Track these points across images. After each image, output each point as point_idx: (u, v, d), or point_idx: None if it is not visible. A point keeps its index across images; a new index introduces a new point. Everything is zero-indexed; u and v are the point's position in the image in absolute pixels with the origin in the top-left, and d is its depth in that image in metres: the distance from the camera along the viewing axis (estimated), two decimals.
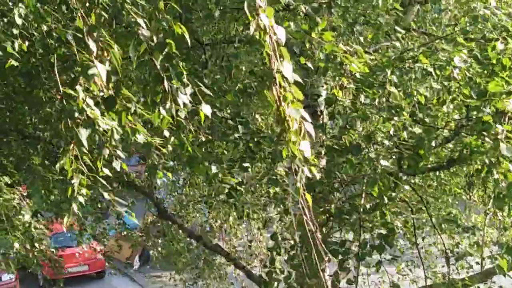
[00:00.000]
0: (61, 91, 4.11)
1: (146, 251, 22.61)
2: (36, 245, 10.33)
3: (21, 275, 19.53)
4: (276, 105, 3.80)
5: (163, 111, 4.48)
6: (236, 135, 7.58)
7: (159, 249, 15.11)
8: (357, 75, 5.97)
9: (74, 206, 4.25)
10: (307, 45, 5.75)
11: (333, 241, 7.42)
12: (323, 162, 8.83)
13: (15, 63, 5.20)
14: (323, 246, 7.26)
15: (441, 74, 5.89)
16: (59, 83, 4.15)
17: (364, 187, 6.84)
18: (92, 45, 4.17)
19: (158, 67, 4.31)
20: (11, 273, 14.17)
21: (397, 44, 6.87)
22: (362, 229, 7.06)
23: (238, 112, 8.41)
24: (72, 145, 4.21)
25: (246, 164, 7.90)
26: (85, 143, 4.20)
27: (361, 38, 6.98)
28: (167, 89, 4.35)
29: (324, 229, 7.61)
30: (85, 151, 4.23)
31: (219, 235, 15.21)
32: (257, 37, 3.85)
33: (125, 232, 14.23)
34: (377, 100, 5.92)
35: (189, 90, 4.51)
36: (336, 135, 7.75)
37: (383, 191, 6.60)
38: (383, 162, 6.18)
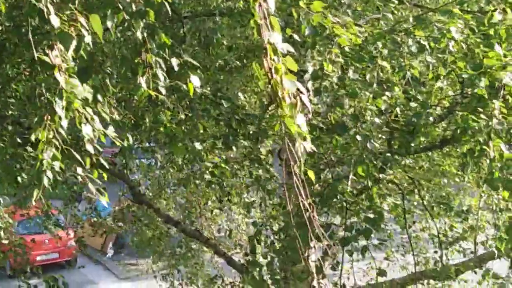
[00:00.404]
0: (36, 59, 4.03)
1: (120, 238, 22.58)
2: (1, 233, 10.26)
3: None
4: (268, 78, 3.76)
5: (143, 83, 4.42)
6: (218, 111, 7.55)
7: (133, 235, 15.08)
8: (346, 48, 5.93)
9: (45, 179, 4.13)
10: (295, 16, 5.70)
11: (318, 225, 7.44)
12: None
13: None
14: (310, 230, 7.34)
15: (435, 46, 5.85)
16: (35, 53, 4.07)
17: (351, 169, 6.82)
18: (54, 20, 4.08)
19: (139, 36, 4.25)
20: None
21: (389, 15, 6.83)
22: (348, 213, 7.08)
23: (218, 88, 8.38)
24: (47, 116, 4.13)
25: (229, 142, 7.90)
26: (61, 113, 4.13)
27: (349, 11, 6.94)
28: (145, 62, 4.30)
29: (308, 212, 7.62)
30: (61, 122, 4.15)
31: (197, 220, 15.20)
32: (244, 6, 3.81)
33: (95, 219, 14.23)
34: (368, 75, 5.88)
35: (175, 61, 4.46)
36: (322, 113, 7.75)
37: (371, 173, 6.59)
38: (370, 145, 6.14)
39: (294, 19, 6.57)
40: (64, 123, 4.22)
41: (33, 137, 4.11)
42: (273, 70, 3.72)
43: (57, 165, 4.16)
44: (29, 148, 8.16)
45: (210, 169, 8.00)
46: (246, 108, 10.74)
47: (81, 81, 4.24)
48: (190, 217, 13.77)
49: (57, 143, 4.13)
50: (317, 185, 8.02)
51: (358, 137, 6.17)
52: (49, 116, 4.11)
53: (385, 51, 5.92)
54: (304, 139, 3.86)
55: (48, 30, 4.23)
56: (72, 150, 4.27)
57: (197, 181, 10.26)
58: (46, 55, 4.01)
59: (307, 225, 7.25)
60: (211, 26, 8.50)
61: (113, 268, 22.58)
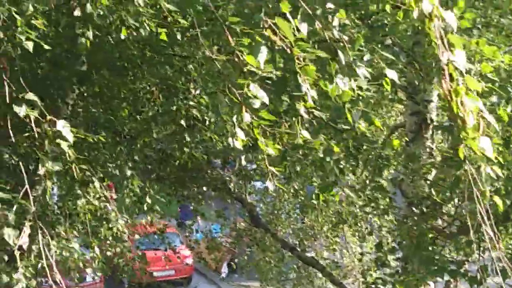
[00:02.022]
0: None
1: (235, 258, 22.72)
2: (118, 250, 10.48)
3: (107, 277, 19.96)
4: (447, 100, 3.58)
5: (341, 83, 4.33)
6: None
7: (247, 258, 15.14)
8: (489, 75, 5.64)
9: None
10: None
11: (448, 259, 7.11)
12: (432, 174, 8.57)
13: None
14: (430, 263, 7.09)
15: None
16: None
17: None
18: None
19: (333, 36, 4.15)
20: (96, 274, 14.45)
21: None
22: (480, 249, 6.67)
23: (340, 114, 8.25)
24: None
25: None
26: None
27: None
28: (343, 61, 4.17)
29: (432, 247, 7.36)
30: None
31: (311, 245, 15.09)
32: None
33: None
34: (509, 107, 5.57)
35: (366, 57, 4.32)
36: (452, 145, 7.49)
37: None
38: None
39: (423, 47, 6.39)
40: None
41: (241, 136, 4.06)
42: (452, 92, 3.54)
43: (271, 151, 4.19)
44: None
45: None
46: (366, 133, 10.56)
47: (276, 93, 4.21)
48: (304, 243, 13.68)
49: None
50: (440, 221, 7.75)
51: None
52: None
53: None
54: (490, 162, 3.67)
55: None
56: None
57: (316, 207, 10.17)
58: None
59: (431, 259, 7.01)
60: None
61: None
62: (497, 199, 3.88)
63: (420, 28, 6.13)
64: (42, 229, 7.28)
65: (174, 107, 7.78)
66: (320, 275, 12.70)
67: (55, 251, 9.73)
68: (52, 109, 7.01)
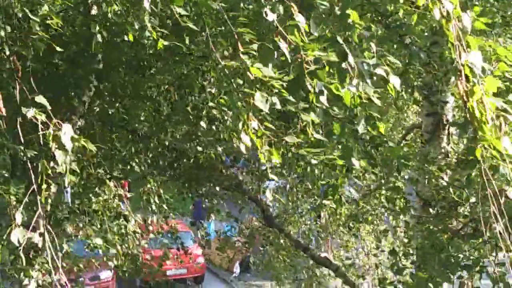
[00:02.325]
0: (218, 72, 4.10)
1: (247, 258, 22.71)
2: (132, 249, 10.51)
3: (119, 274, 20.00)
4: (463, 101, 3.57)
5: (352, 88, 4.31)
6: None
7: (261, 257, 15.12)
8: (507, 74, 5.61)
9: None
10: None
11: (465, 255, 7.05)
12: (447, 176, 8.53)
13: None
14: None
15: None
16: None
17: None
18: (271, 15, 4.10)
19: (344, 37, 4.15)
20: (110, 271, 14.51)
21: None
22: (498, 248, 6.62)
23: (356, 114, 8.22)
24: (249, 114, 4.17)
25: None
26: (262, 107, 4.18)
27: (500, 41, 6.65)
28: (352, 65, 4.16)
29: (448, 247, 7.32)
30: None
31: (325, 245, 15.07)
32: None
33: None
34: None
35: (372, 61, 4.30)
36: (465, 148, 7.45)
37: None
38: None
39: (440, 47, 6.36)
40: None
41: (246, 142, 4.10)
42: (468, 93, 3.54)
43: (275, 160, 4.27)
44: None
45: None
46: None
47: (290, 93, 4.23)
48: (318, 243, 13.65)
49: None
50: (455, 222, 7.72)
51: None
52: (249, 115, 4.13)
53: None
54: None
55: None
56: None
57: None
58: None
59: (448, 260, 6.97)
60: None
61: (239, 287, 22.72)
62: None
63: (437, 28, 6.12)
64: (54, 227, 7.33)
65: (189, 107, 7.78)
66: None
67: (67, 249, 9.78)
68: (68, 108, 7.05)
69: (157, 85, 8.24)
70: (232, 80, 4.36)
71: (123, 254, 10.30)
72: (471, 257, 7.10)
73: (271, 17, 4.11)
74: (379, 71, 4.36)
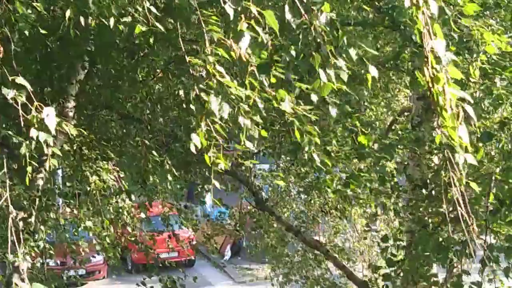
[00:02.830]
0: (186, 59, 4.11)
1: (238, 241, 22.81)
2: (129, 229, 10.56)
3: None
4: (428, 87, 3.65)
5: (323, 76, 4.28)
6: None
7: (252, 241, 15.18)
8: (493, 56, 5.67)
9: (216, 183, 4.28)
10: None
11: (454, 240, 7.12)
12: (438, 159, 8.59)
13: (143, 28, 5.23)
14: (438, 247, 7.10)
15: None
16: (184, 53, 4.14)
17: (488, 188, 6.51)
18: (230, 10, 4.11)
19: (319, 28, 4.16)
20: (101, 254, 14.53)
21: None
22: (489, 230, 6.69)
23: (348, 100, 8.26)
24: (202, 117, 4.20)
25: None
26: (216, 112, 4.20)
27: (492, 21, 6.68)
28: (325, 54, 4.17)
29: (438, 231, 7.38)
30: (217, 121, 4.24)
31: (316, 228, 15.13)
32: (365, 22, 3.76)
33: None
34: None
35: (353, 52, 4.32)
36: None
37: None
38: None
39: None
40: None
41: (197, 143, 4.17)
42: (434, 79, 3.61)
43: (221, 165, 4.26)
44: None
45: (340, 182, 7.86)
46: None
47: (261, 73, 4.26)
48: (310, 226, 13.69)
49: (219, 141, 4.24)
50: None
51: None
52: (204, 117, 4.18)
53: None
54: (466, 150, 3.74)
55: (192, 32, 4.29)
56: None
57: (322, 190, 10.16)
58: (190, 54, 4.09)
59: (430, 241, 7.03)
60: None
61: (230, 271, 22.81)
62: (474, 185, 3.94)
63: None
64: (45, 210, 7.35)
65: (181, 91, 7.79)
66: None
67: (60, 231, 9.80)
68: (60, 89, 7.06)
69: (148, 68, 8.25)
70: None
71: (115, 238, 10.35)
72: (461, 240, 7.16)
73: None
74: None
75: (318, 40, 4.19)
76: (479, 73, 5.75)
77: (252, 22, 4.10)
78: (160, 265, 12.13)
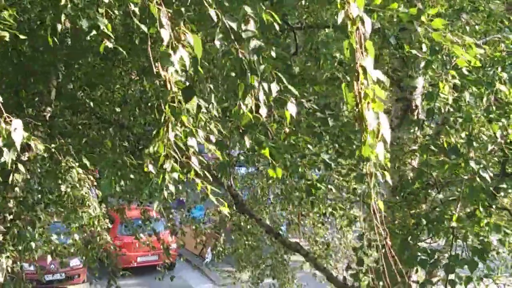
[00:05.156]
0: (154, 70, 4.16)
1: (219, 244, 22.79)
2: (97, 239, 10.50)
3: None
4: (356, 102, 3.77)
5: (243, 107, 4.46)
6: (322, 128, 7.49)
7: (231, 243, 15.19)
8: (464, 70, 5.78)
9: (165, 193, 4.33)
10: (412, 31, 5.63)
11: (423, 249, 7.23)
12: (416, 161, 8.68)
13: (110, 44, 5.24)
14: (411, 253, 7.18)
15: None
16: (151, 61, 4.20)
17: (460, 192, 6.63)
18: (165, 34, 4.17)
19: (246, 58, 4.28)
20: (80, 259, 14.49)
21: (511, 36, 6.62)
22: (454, 238, 6.84)
23: (327, 103, 8.31)
24: (164, 128, 4.28)
25: (329, 160, 7.81)
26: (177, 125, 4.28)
27: (467, 28, 6.76)
28: (247, 84, 4.32)
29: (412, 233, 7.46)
30: (179, 133, 4.30)
31: (297, 231, 15.17)
32: (346, 27, 3.84)
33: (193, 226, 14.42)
34: (484, 98, 5.72)
35: (274, 87, 4.47)
36: (432, 135, 7.58)
37: (481, 199, 6.39)
38: (484, 174, 5.98)
39: (409, 34, 6.46)
40: (171, 135, 4.38)
41: (151, 150, 4.25)
42: (361, 95, 3.72)
43: (175, 175, 4.31)
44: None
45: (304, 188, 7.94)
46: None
47: (185, 99, 4.36)
48: (290, 229, 13.73)
49: (176, 154, 4.30)
50: (424, 205, 7.87)
51: (473, 164, 6.01)
52: (165, 129, 4.25)
53: (505, 75, 5.73)
54: (383, 168, 3.86)
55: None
56: (190, 162, 4.42)
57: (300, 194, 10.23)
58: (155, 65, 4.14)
59: (410, 247, 7.12)
60: (322, 38, 8.44)
61: (211, 274, 22.82)
62: (380, 204, 4.08)
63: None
64: (23, 214, 7.35)
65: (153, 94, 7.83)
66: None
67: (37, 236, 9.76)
68: (36, 94, 7.06)
69: (125, 73, 8.27)
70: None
71: (87, 242, 10.33)
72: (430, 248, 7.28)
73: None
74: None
75: (244, 68, 4.33)
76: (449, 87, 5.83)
77: (180, 45, 4.18)
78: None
